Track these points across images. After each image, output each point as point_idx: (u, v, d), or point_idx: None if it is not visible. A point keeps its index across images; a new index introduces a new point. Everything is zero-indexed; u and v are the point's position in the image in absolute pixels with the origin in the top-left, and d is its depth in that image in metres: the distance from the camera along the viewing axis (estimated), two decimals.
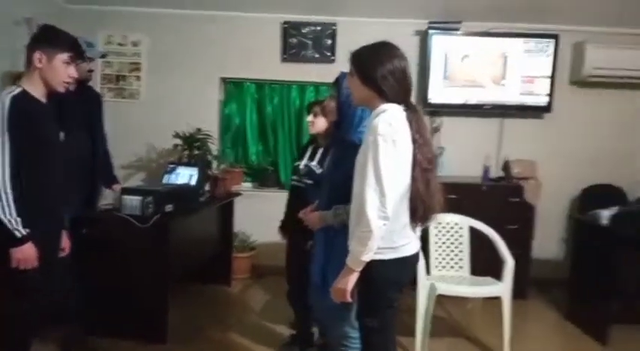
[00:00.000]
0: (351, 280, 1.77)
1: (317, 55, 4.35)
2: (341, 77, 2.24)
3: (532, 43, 4.15)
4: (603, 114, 4.36)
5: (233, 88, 4.54)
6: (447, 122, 4.34)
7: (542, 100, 4.21)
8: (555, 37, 4.14)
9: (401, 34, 4.30)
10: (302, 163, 2.82)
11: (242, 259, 4.37)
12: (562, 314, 3.78)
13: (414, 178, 1.74)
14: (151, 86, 4.46)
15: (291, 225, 2.82)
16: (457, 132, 4.32)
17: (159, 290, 3.01)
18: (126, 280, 2.96)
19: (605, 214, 3.34)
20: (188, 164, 3.79)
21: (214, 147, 4.21)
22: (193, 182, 3.63)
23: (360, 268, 1.74)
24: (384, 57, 1.79)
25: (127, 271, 2.96)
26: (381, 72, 1.76)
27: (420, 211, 1.78)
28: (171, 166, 3.77)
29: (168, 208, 3.07)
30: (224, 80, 4.50)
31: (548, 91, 4.19)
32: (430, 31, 4.16)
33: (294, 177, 2.86)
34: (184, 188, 3.43)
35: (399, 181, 1.71)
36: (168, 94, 4.44)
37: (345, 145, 2.15)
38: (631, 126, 4.38)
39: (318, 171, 2.68)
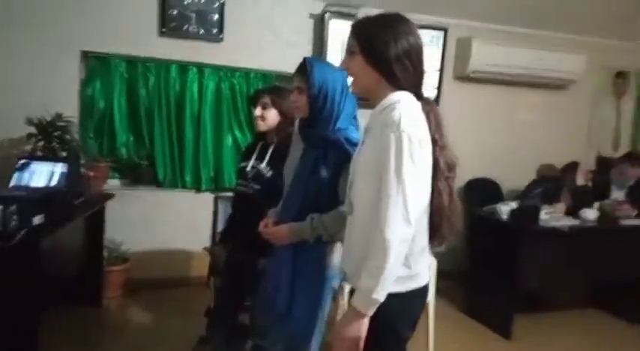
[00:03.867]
0: (363, 327, 1.36)
1: (202, 32, 3.77)
2: (310, 63, 1.84)
3: (424, 35, 4.14)
4: (485, 109, 4.58)
5: (97, 64, 3.69)
6: None
7: (431, 94, 4.25)
8: (445, 30, 4.20)
9: (295, 16, 3.99)
10: (249, 165, 2.32)
11: (114, 273, 3.62)
12: (462, 309, 3.83)
13: (436, 189, 1.42)
14: None
15: (234, 238, 2.33)
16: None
17: (27, 324, 2.27)
18: None
19: (504, 209, 3.47)
20: (46, 159, 2.96)
21: (77, 136, 3.38)
22: (55, 182, 2.84)
23: (373, 311, 1.35)
24: (398, 32, 1.42)
25: None
26: (395, 51, 1.41)
27: (444, 230, 1.46)
28: (23, 161, 2.90)
29: (38, 219, 2.30)
30: (86, 54, 3.64)
31: (436, 85, 4.25)
32: (327, 16, 3.89)
33: (240, 181, 2.35)
34: (56, 192, 2.63)
35: (423, 193, 1.37)
36: (13, 70, 3.46)
37: (323, 145, 1.81)
38: (509, 122, 4.68)
39: (268, 174, 2.24)
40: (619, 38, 4.68)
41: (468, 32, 4.30)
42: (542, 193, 3.67)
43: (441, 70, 4.25)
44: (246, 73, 3.97)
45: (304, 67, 1.85)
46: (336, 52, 3.93)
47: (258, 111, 2.30)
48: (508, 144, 4.64)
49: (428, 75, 4.03)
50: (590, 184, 3.95)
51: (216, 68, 3.90)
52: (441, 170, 1.42)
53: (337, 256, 1.84)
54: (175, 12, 3.70)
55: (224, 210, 3.30)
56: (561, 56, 4.43)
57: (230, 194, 3.86)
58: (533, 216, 3.34)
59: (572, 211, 3.63)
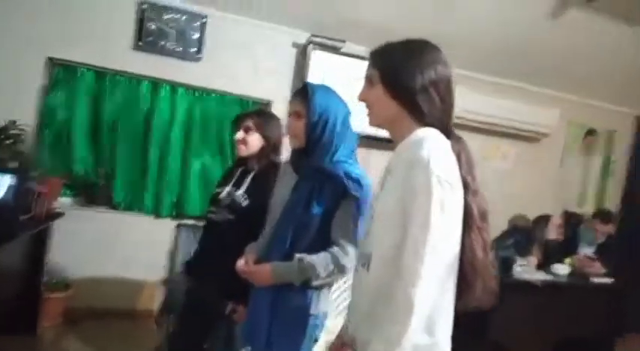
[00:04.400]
0: None
1: (179, 49, 3.61)
2: (312, 88, 1.71)
3: None
4: None
5: (63, 72, 3.44)
6: None
7: None
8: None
9: (277, 43, 3.88)
10: (224, 191, 2.11)
11: (53, 300, 3.28)
12: None
13: (468, 242, 1.21)
14: None
15: (200, 271, 2.09)
16: None
17: None
18: None
19: None
20: None
21: (30, 147, 3.10)
22: (0, 194, 2.55)
23: None
24: (425, 60, 1.28)
25: None
26: (421, 81, 1.25)
27: (476, 289, 1.24)
28: None
29: None
30: (52, 61, 3.39)
31: None
32: (310, 47, 3.80)
33: (212, 208, 2.13)
34: (1, 206, 2.34)
35: (453, 246, 1.19)
36: None
37: (319, 178, 1.65)
38: (483, 170, 4.60)
39: (244, 203, 2.04)
40: (591, 97, 4.79)
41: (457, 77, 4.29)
42: (515, 244, 3.60)
43: None
44: (221, 96, 3.80)
45: (304, 91, 1.70)
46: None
47: (239, 134, 2.12)
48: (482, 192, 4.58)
49: None
50: (560, 238, 3.93)
51: (191, 88, 3.71)
52: (474, 219, 1.23)
53: (324, 303, 1.67)
54: (154, 26, 3.53)
55: (186, 240, 3.05)
56: (536, 109, 4.48)
57: (194, 222, 3.67)
58: (507, 268, 3.26)
59: (542, 265, 3.58)
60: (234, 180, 2.15)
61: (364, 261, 1.30)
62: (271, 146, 2.14)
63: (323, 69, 3.83)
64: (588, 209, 4.82)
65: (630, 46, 4.15)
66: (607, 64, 4.39)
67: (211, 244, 2.08)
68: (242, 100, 3.85)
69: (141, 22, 3.48)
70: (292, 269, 1.59)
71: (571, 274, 3.53)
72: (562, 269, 3.49)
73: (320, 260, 1.59)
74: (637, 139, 5.03)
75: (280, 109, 3.51)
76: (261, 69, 3.84)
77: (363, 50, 3.99)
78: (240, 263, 1.73)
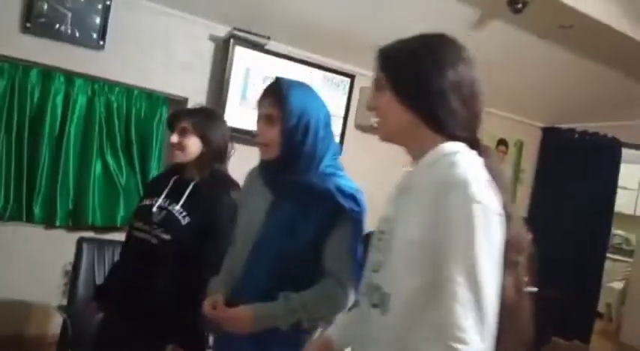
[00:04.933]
0: None
1: (78, 35, 3.12)
2: (285, 85, 1.41)
3: (331, 79, 3.94)
4: (388, 161, 4.43)
5: None
6: (240, 150, 3.67)
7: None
8: (352, 77, 4.03)
9: (194, 36, 3.51)
10: (155, 204, 1.75)
11: None
12: None
13: (501, 279, 0.99)
14: None
15: (122, 300, 1.74)
16: (247, 164, 3.70)
17: None
18: None
19: None
20: None
21: None
22: None
23: None
24: (442, 58, 1.07)
25: None
26: (438, 85, 1.05)
27: (507, 336, 1.00)
28: None
29: None
30: None
31: (340, 132, 4.02)
32: (232, 41, 3.47)
33: (139, 224, 1.78)
34: None
35: (496, 286, 0.97)
36: None
37: (303, 197, 1.38)
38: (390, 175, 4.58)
39: (184, 221, 1.71)
40: (503, 109, 4.93)
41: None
42: None
43: (345, 117, 4.04)
44: (128, 90, 3.35)
45: (276, 89, 1.41)
46: (238, 83, 3.52)
47: (174, 137, 1.80)
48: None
49: (334, 121, 3.82)
50: None
51: (91, 80, 3.23)
52: (510, 252, 1.01)
53: None
54: (46, 6, 3.01)
55: (90, 256, 2.60)
56: None
57: (99, 236, 3.19)
58: None
59: None
60: (166, 191, 1.80)
61: (377, 301, 1.06)
62: (213, 152, 1.84)
63: (245, 66, 3.53)
64: None
65: (541, 60, 4.30)
66: (519, 77, 4.53)
67: (138, 268, 1.73)
68: (152, 95, 3.44)
69: (29, 0, 2.96)
70: (278, 311, 1.32)
71: None
72: None
73: (312, 297, 1.34)
74: (542, 150, 5.28)
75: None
76: (175, 62, 3.45)
77: (290, 50, 3.75)
78: (207, 306, 1.40)
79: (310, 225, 1.36)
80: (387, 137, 1.15)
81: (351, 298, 1.36)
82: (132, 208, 3.32)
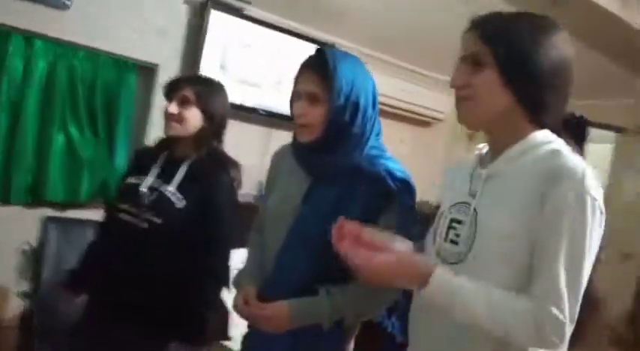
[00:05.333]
0: None
1: None
2: (331, 59, 1.27)
3: (314, 50, 3.74)
4: None
5: None
6: None
7: None
8: (333, 47, 3.85)
9: None
10: (145, 184, 1.58)
11: None
12: None
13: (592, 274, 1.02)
14: None
15: (106, 290, 1.59)
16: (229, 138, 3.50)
17: None
18: None
19: None
20: None
21: None
22: None
23: None
24: (552, 40, 1.02)
25: None
26: (550, 68, 1.01)
27: (587, 330, 1.06)
28: None
29: None
30: None
31: None
32: (210, 4, 3.21)
33: (125, 206, 1.60)
34: None
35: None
36: None
37: (348, 180, 1.27)
38: None
39: (180, 204, 1.55)
40: None
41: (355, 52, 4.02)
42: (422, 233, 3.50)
43: None
44: (94, 55, 3.06)
45: (320, 63, 1.26)
46: (214, 50, 3.29)
47: (173, 107, 1.63)
48: None
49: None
50: None
51: (53, 43, 2.92)
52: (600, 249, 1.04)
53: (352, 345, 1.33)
54: None
55: (57, 238, 2.38)
56: (433, 94, 4.46)
57: (65, 215, 2.93)
58: None
59: None
60: (157, 169, 1.62)
61: None
62: (215, 127, 1.69)
63: (222, 33, 3.30)
64: None
65: None
66: None
67: (125, 254, 1.57)
68: (120, 61, 3.16)
69: None
70: (320, 309, 1.21)
71: None
72: None
73: (357, 292, 1.23)
74: None
75: (168, 76, 3.00)
76: (147, 26, 3.17)
77: (274, 18, 3.54)
78: (239, 303, 1.29)
79: (356, 210, 1.24)
80: (479, 121, 1.08)
81: (397, 291, 1.28)
82: (96, 183, 3.11)
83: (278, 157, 1.49)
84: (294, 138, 1.39)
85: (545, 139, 1.05)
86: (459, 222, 1.08)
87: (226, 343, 2.34)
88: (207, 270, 1.59)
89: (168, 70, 3.15)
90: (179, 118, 1.64)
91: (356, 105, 1.27)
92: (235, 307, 1.34)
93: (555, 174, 0.98)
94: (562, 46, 1.05)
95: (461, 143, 5.08)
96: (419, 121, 4.63)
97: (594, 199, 0.96)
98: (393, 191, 1.27)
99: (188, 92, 1.64)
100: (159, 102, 2.32)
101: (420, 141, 4.76)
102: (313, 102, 1.28)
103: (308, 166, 1.34)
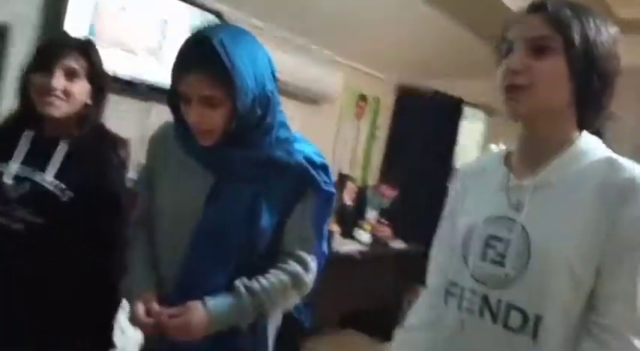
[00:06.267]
0: None
1: None
2: (224, 52, 1.06)
3: (197, 16, 3.38)
4: None
5: None
6: None
7: None
8: (220, 15, 3.52)
9: None
10: (8, 174, 1.26)
11: None
12: None
13: None
14: None
15: None
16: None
17: None
18: None
19: None
20: None
21: None
22: None
23: None
24: (615, 36, 0.96)
25: None
26: (615, 66, 0.95)
27: None
28: None
29: None
30: None
31: None
32: None
33: None
34: None
35: None
36: None
37: (262, 174, 1.15)
38: None
39: (65, 197, 1.26)
40: (365, 64, 4.92)
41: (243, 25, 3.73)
42: None
43: None
44: None
45: (210, 58, 1.04)
46: (86, 12, 2.78)
47: (58, 81, 1.29)
48: None
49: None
50: (353, 203, 3.91)
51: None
52: None
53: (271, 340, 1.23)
54: None
55: None
56: (323, 72, 4.34)
57: None
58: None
59: (345, 232, 3.48)
60: (21, 154, 1.29)
61: (519, 322, 0.92)
62: (99, 102, 1.44)
63: None
64: (357, 172, 5.01)
65: (401, 16, 4.31)
66: (383, 33, 4.51)
67: None
68: None
69: None
70: (242, 308, 1.09)
71: (373, 242, 3.53)
72: (365, 236, 3.45)
73: (276, 285, 1.13)
74: (396, 106, 5.43)
75: (23, 41, 2.57)
76: None
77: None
78: (139, 312, 1.07)
79: (275, 206, 1.15)
80: (532, 113, 0.95)
81: (313, 278, 1.22)
82: None
83: (158, 143, 1.28)
84: (179, 126, 1.19)
85: (595, 144, 0.98)
86: (500, 239, 0.96)
87: None
88: (103, 268, 1.34)
89: (23, 33, 2.61)
90: (65, 94, 1.32)
91: (265, 95, 1.13)
92: (132, 319, 1.12)
93: (626, 189, 0.90)
94: (619, 45, 0.98)
95: (350, 124, 5.08)
96: (309, 98, 4.49)
97: None
98: (315, 181, 1.18)
99: (74, 62, 1.33)
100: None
101: (310, 120, 4.63)
102: (210, 106, 1.08)
103: (210, 164, 1.16)
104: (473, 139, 6.31)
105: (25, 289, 1.28)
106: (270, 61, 1.17)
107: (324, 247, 1.26)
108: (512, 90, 0.94)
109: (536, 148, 0.99)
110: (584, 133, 0.98)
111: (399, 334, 1.17)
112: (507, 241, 0.94)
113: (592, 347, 0.88)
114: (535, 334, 0.91)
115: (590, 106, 0.96)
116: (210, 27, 1.16)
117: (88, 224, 1.30)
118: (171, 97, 1.17)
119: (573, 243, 0.90)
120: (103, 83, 1.43)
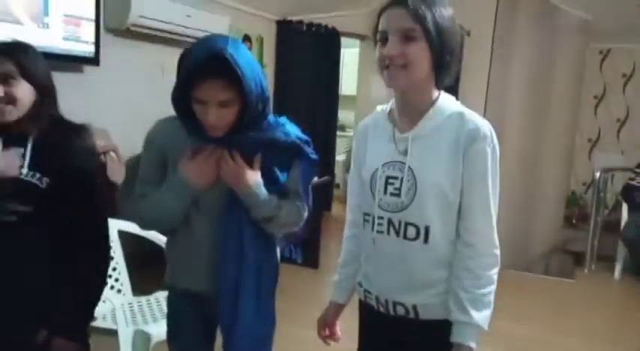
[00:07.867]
0: None
1: None
2: (236, 63, 1.27)
3: None
4: (146, 71, 3.96)
5: None
6: None
7: (88, 50, 3.35)
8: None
9: None
10: None
11: None
12: None
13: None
14: None
15: None
16: None
17: None
18: None
19: None
20: None
21: None
22: None
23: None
24: (453, 15, 1.27)
25: None
26: (457, 38, 1.26)
27: None
28: None
29: None
30: None
31: (93, 39, 3.36)
32: None
33: None
34: None
35: None
36: None
37: (268, 151, 1.44)
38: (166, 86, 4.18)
39: (43, 184, 1.43)
40: (241, 3, 4.90)
41: None
42: None
43: (97, 20, 3.37)
44: None
45: (224, 65, 1.25)
46: None
47: None
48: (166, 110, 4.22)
49: (85, 25, 3.35)
50: None
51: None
52: None
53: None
54: None
55: None
56: (207, 16, 4.29)
57: None
58: None
59: None
60: None
61: (414, 234, 1.28)
62: (49, 96, 1.49)
63: None
64: None
65: None
66: None
67: None
68: None
69: None
70: (271, 198, 1.44)
71: None
72: None
73: (287, 206, 1.48)
74: (278, 42, 5.55)
75: None
76: None
77: None
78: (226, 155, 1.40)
79: (280, 171, 1.49)
80: (408, 85, 1.25)
81: (305, 216, 1.55)
82: None
83: (160, 137, 1.51)
84: (187, 122, 1.40)
85: (450, 102, 1.31)
86: (395, 178, 1.29)
87: (96, 323, 2.16)
88: (90, 247, 1.53)
89: None
90: (10, 100, 1.38)
91: (263, 93, 1.36)
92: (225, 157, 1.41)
93: (472, 134, 1.24)
94: (455, 20, 1.27)
95: None
96: None
97: (496, 150, 1.26)
98: (306, 153, 1.48)
99: (9, 66, 1.37)
100: None
101: None
102: (226, 106, 1.31)
103: (227, 147, 1.41)
104: (352, 64, 6.73)
105: (16, 267, 1.42)
106: (259, 64, 1.41)
107: (310, 201, 1.57)
108: (392, 69, 1.23)
109: (410, 108, 1.31)
110: (442, 93, 1.31)
111: (339, 272, 1.56)
112: (400, 179, 1.28)
113: (461, 245, 1.26)
114: (426, 240, 1.27)
115: (444, 72, 1.27)
116: (217, 39, 1.30)
117: (66, 205, 1.44)
118: (177, 97, 1.37)
119: (443, 174, 1.25)
120: (42, 80, 1.45)
